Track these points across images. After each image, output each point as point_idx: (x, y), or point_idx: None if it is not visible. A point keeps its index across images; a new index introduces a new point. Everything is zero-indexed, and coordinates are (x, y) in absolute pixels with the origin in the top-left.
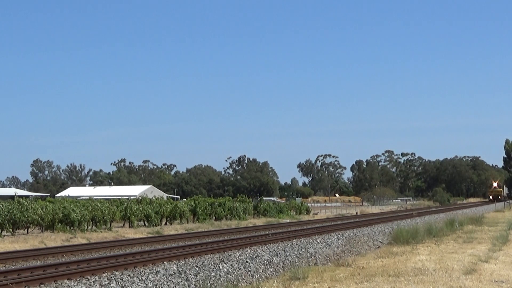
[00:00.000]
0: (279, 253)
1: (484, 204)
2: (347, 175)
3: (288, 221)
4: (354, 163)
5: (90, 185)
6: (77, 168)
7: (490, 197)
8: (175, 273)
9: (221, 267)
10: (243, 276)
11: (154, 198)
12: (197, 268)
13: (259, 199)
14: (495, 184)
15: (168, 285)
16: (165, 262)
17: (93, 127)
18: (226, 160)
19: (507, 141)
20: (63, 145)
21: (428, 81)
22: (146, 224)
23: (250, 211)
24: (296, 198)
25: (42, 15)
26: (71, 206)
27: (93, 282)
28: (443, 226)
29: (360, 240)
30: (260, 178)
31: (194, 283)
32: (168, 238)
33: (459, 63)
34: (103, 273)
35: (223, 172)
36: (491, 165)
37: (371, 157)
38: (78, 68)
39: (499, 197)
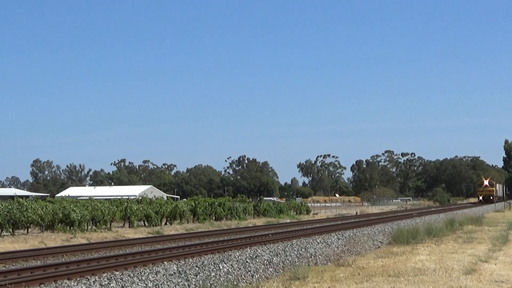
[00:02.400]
0: (279, 253)
1: (478, 205)
2: (347, 175)
3: (288, 221)
4: (354, 163)
5: (90, 185)
6: (77, 168)
7: (480, 198)
8: (175, 273)
9: (221, 267)
10: (243, 276)
11: (154, 198)
12: (197, 268)
13: (259, 199)
14: (486, 182)
15: (168, 285)
16: (165, 262)
17: (93, 127)
18: (226, 160)
19: (506, 141)
20: (63, 145)
21: (428, 81)
22: (146, 224)
23: (250, 211)
24: (296, 198)
25: (42, 15)
26: (71, 206)
27: (93, 282)
28: (443, 226)
29: (360, 240)
30: (260, 178)
31: (194, 283)
32: (168, 238)
33: (459, 63)
34: (103, 273)
35: (223, 172)
36: (491, 165)
37: (371, 157)
38: (78, 68)
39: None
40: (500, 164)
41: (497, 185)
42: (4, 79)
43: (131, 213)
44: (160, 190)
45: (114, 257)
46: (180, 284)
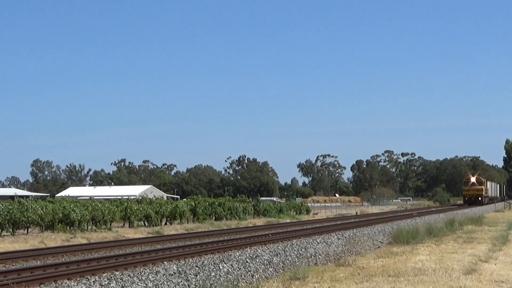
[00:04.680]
0: (279, 253)
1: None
2: (347, 175)
3: (288, 221)
4: (354, 163)
5: (90, 185)
6: (77, 168)
7: (466, 199)
8: (175, 273)
9: (221, 267)
10: (243, 276)
11: (154, 198)
12: (197, 268)
13: (256, 199)
14: (473, 180)
15: (168, 285)
16: (165, 262)
17: (93, 127)
18: (226, 160)
19: (507, 141)
20: (63, 145)
21: (428, 81)
22: (146, 224)
23: (250, 211)
24: (296, 198)
25: (42, 15)
26: (71, 206)
27: (93, 282)
28: (443, 226)
29: (360, 240)
30: (260, 178)
31: (194, 283)
32: (168, 238)
33: (459, 63)
34: (103, 273)
35: (223, 172)
36: (491, 165)
37: (371, 157)
38: (77, 68)
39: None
40: (500, 164)
41: (488, 183)
42: (4, 79)
43: (131, 213)
44: (160, 190)
45: (114, 257)
46: (180, 284)
